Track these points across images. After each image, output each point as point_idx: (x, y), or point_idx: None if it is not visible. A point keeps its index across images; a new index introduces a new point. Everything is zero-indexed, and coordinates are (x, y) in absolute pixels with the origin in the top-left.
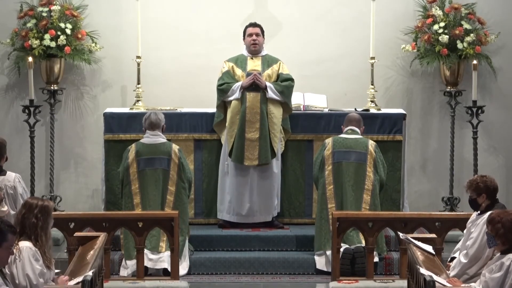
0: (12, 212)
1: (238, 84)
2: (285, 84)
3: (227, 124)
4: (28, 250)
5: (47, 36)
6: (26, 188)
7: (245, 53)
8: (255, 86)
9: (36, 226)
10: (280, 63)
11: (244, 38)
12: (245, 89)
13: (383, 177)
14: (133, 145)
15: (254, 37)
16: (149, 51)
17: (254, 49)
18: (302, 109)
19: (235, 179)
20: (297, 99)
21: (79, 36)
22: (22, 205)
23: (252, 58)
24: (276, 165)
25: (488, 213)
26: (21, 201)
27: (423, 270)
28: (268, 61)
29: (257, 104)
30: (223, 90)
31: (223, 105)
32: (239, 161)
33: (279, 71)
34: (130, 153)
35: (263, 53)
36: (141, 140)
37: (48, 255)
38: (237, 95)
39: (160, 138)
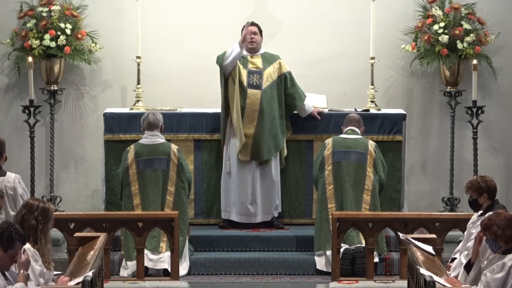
0: (12, 213)
1: (234, 45)
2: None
3: (236, 124)
4: (27, 251)
5: (47, 36)
6: (26, 189)
7: (244, 52)
8: (250, 47)
9: (36, 228)
10: (279, 61)
11: None
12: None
13: (383, 178)
14: (132, 146)
15: (251, 35)
16: (149, 51)
17: (252, 47)
18: None
19: (236, 179)
20: None
21: (79, 36)
22: (23, 205)
23: (252, 57)
24: (275, 164)
25: (479, 221)
26: (21, 202)
27: (423, 271)
28: (268, 59)
29: (257, 102)
30: (221, 59)
31: (225, 116)
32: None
33: (282, 71)
34: (129, 154)
35: (262, 51)
36: (140, 141)
37: (47, 257)
38: (236, 51)
39: (158, 138)
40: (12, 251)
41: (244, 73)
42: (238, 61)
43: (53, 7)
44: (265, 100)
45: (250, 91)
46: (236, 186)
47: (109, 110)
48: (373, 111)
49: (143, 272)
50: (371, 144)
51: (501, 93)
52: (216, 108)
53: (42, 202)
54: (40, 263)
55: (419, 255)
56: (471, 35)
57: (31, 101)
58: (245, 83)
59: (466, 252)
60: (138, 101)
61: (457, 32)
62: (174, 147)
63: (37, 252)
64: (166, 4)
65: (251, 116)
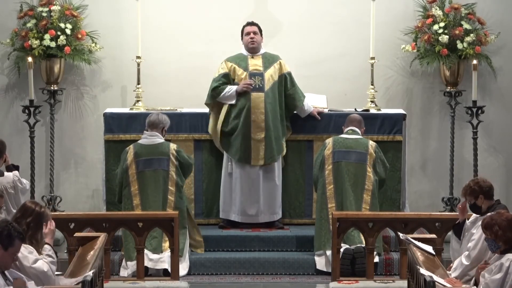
0: (14, 211)
1: (232, 90)
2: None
3: (221, 121)
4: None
5: (47, 36)
6: (26, 182)
7: (245, 52)
8: (251, 47)
9: (26, 234)
10: (280, 61)
11: (242, 38)
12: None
13: (382, 176)
14: (131, 146)
15: (251, 35)
16: (149, 51)
17: (252, 47)
18: None
19: (240, 179)
20: None
21: (79, 36)
22: (20, 207)
23: (252, 57)
24: (278, 164)
25: (480, 221)
26: (22, 200)
27: (423, 271)
28: (269, 60)
29: (261, 105)
30: (213, 95)
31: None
32: (246, 161)
33: (283, 71)
34: (129, 155)
35: (262, 51)
36: (139, 141)
37: None
38: (232, 96)
39: (157, 138)
40: (12, 249)
41: (245, 75)
42: (238, 65)
43: (53, 7)
44: (268, 102)
45: (253, 94)
46: (239, 187)
47: (109, 110)
48: (373, 111)
49: (143, 272)
50: (372, 144)
51: (501, 93)
52: None
53: (39, 206)
54: (35, 253)
55: (419, 255)
56: (471, 35)
57: (31, 101)
58: None
59: (466, 253)
60: (138, 101)
61: (457, 32)
62: (172, 146)
63: (28, 246)
64: (166, 4)
65: (259, 120)
